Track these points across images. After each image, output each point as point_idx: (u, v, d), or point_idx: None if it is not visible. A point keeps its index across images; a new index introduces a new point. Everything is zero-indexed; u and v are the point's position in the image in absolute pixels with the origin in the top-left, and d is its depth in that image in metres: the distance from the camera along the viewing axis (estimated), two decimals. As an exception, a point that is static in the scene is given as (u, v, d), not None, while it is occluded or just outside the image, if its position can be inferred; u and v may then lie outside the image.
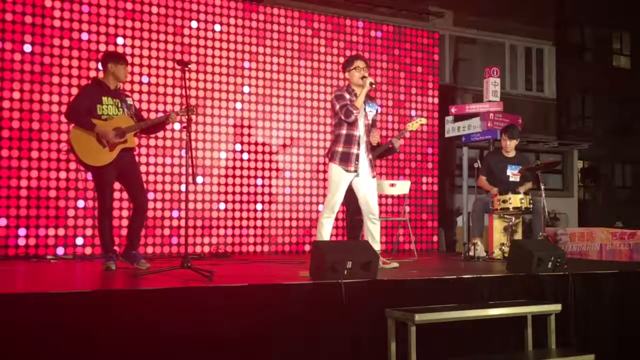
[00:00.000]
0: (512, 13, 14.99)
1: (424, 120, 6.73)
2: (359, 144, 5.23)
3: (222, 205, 7.54)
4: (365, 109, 5.29)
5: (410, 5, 13.30)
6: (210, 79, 7.59)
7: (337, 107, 5.22)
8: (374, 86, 5.21)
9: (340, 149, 5.25)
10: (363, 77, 5.21)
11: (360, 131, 5.26)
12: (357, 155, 5.22)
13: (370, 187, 5.32)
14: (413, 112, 8.89)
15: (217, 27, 7.67)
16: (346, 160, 5.21)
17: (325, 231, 5.31)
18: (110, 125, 4.98)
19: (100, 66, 5.50)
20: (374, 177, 5.36)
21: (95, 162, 4.96)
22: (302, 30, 8.23)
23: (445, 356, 4.02)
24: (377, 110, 5.47)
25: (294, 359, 3.74)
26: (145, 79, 7.23)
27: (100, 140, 4.94)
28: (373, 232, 5.32)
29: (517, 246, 5.01)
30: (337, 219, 7.98)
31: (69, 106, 5.15)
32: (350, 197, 6.77)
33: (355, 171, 5.23)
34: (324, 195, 7.64)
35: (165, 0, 7.41)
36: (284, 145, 7.98)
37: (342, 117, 5.19)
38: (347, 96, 5.25)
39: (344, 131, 5.25)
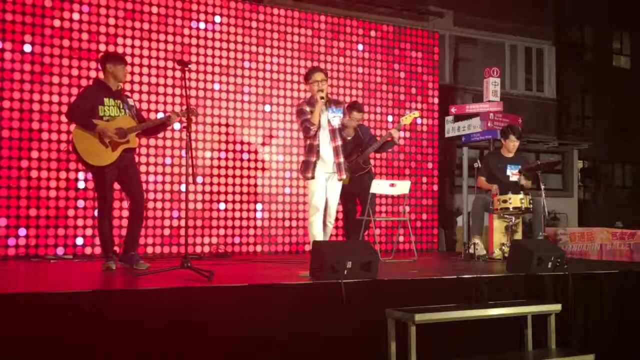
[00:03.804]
0: (512, 13, 14.98)
1: (417, 114, 6.78)
2: (318, 152, 5.56)
3: (222, 205, 7.54)
4: (328, 116, 5.59)
5: (410, 5, 13.29)
6: (210, 79, 7.59)
7: (299, 122, 5.65)
8: (323, 100, 5.49)
9: (302, 158, 5.75)
10: (319, 91, 5.51)
11: (319, 139, 5.57)
12: (315, 163, 5.56)
13: (334, 191, 5.69)
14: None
15: (217, 27, 7.67)
16: (304, 169, 5.63)
17: (316, 230, 5.56)
18: (112, 125, 4.99)
19: (99, 66, 5.48)
20: (340, 180, 5.67)
21: (98, 162, 4.96)
22: (302, 30, 8.23)
23: (445, 356, 4.02)
24: (342, 114, 5.72)
25: (294, 359, 3.74)
26: (145, 79, 7.23)
27: (103, 140, 4.95)
28: (328, 231, 5.67)
29: (517, 246, 5.01)
30: (337, 219, 8.00)
31: (69, 106, 5.15)
32: (350, 198, 6.78)
33: (313, 177, 5.56)
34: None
35: (165, 0, 7.41)
36: (284, 145, 7.98)
37: (303, 133, 5.65)
38: (308, 109, 5.59)
39: (308, 141, 5.64)
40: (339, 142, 5.63)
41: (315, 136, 5.55)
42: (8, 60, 6.57)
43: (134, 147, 5.16)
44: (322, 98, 5.47)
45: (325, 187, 5.63)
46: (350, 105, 6.86)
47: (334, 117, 5.61)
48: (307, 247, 7.64)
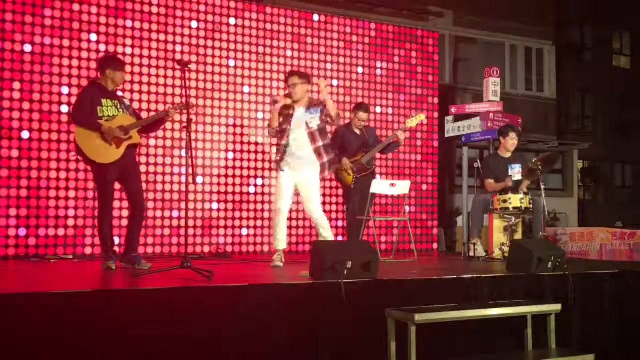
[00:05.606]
0: (512, 13, 14.98)
1: (422, 117, 6.78)
2: (284, 154, 5.53)
3: (222, 205, 7.54)
4: (305, 118, 5.49)
5: (410, 5, 13.29)
6: (210, 79, 7.59)
7: None
8: (279, 105, 5.52)
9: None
10: (285, 96, 5.55)
11: (289, 140, 5.50)
12: (279, 163, 5.56)
13: (313, 188, 5.58)
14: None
15: (217, 27, 7.67)
16: (276, 165, 5.66)
17: (282, 233, 5.59)
18: (113, 125, 5.00)
19: (98, 67, 5.47)
20: (322, 179, 5.70)
21: (104, 160, 4.98)
22: (302, 30, 8.23)
23: (445, 356, 4.02)
24: (319, 113, 5.52)
25: (293, 359, 3.74)
26: (145, 79, 7.22)
27: (106, 139, 4.96)
28: (321, 223, 5.58)
29: (517, 246, 5.01)
30: (337, 219, 8.01)
31: (74, 109, 5.17)
32: (350, 197, 6.78)
33: (282, 170, 5.55)
34: (324, 195, 7.65)
35: (165, 0, 7.41)
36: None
37: None
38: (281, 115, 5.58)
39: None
40: (320, 143, 5.54)
41: (284, 136, 5.53)
42: (8, 60, 6.58)
43: (137, 144, 5.18)
44: (274, 102, 5.62)
45: (293, 190, 5.60)
46: (357, 106, 6.85)
47: (312, 119, 5.50)
48: (307, 247, 7.65)
